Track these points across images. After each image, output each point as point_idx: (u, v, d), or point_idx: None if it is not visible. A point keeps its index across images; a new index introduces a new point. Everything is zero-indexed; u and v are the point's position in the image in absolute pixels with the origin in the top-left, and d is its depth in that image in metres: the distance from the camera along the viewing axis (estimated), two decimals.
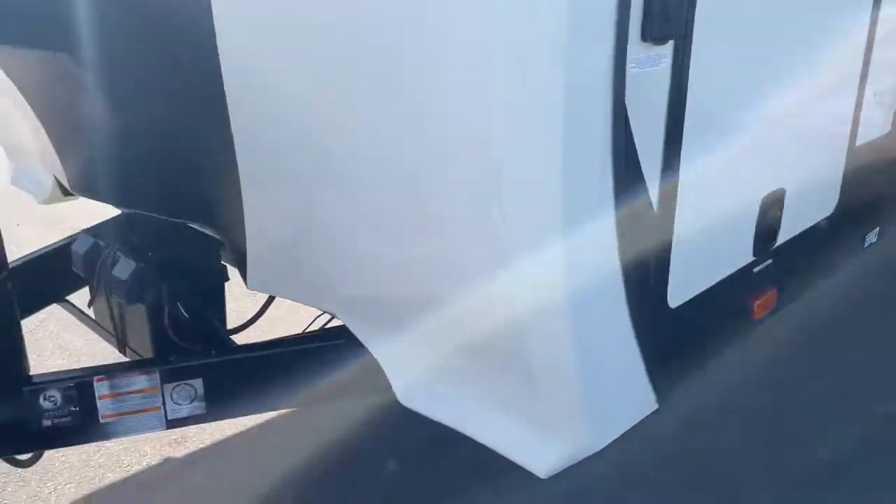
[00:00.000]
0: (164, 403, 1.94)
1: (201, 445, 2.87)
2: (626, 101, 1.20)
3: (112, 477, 2.70)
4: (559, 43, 1.10)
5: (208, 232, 2.02)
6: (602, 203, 1.23)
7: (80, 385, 1.84)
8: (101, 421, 1.89)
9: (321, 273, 1.73)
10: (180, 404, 1.96)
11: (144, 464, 2.76)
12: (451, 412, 1.61)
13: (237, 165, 1.67)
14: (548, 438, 1.41)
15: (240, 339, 2.32)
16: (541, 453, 1.43)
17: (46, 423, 1.84)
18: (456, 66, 1.22)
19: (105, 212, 2.34)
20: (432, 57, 1.21)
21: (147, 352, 2.29)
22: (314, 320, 2.26)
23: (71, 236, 2.58)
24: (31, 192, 2.92)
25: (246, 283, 1.91)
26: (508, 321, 1.32)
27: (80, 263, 2.29)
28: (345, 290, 1.71)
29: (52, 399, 1.84)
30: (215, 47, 1.48)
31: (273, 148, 1.57)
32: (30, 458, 2.06)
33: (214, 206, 1.85)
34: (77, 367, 2.01)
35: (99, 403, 1.88)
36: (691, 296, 1.52)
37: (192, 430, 2.81)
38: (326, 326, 2.25)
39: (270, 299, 2.31)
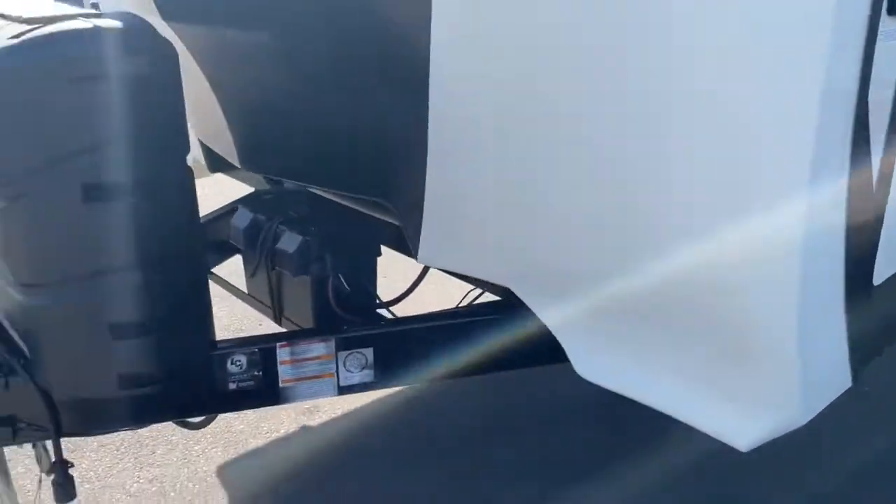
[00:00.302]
0: (337, 371, 2.02)
1: (333, 415, 2.98)
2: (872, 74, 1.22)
3: (254, 442, 2.81)
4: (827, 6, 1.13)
5: (377, 207, 2.09)
6: (840, 173, 1.24)
7: (264, 351, 1.93)
8: (281, 385, 1.99)
9: (502, 248, 1.78)
10: (352, 372, 2.04)
11: (282, 431, 2.88)
12: (636, 385, 1.64)
13: (426, 143, 1.72)
14: (752, 411, 1.43)
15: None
16: (742, 426, 1.46)
17: (232, 386, 1.94)
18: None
19: None
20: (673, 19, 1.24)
21: (305, 322, 2.38)
22: (465, 296, 2.32)
23: (213, 212, 2.69)
24: None
25: (415, 257, 1.97)
26: (724, 295, 1.35)
27: (240, 237, 2.38)
28: (526, 264, 1.76)
29: (238, 363, 1.93)
30: (425, 20, 1.52)
31: (472, 127, 1.62)
32: (202, 421, 2.16)
33: (391, 181, 1.91)
34: (257, 335, 2.10)
35: (279, 369, 1.97)
36: (891, 274, 1.53)
37: (323, 400, 2.91)
38: (476, 302, 2.32)
39: (422, 274, 2.38)
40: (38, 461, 1.99)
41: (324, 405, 2.98)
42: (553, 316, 1.78)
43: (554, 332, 1.79)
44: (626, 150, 1.43)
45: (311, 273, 2.21)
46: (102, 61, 1.47)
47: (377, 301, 2.34)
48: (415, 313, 2.24)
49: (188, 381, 1.84)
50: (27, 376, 1.76)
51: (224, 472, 2.66)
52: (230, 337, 2.05)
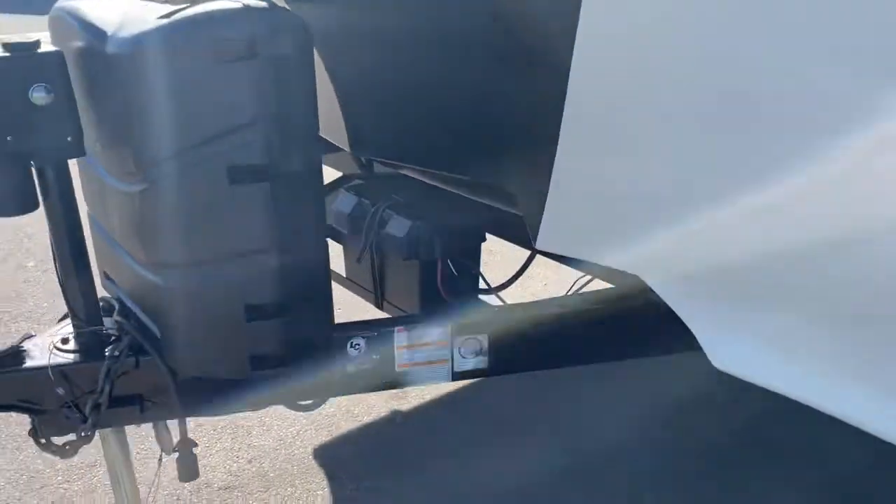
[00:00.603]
0: (452, 356, 2.01)
1: (422, 399, 2.98)
2: None
3: (346, 426, 2.83)
4: None
5: (488, 191, 2.07)
6: None
7: (382, 334, 1.93)
8: (396, 370, 1.98)
9: (633, 236, 1.74)
10: (466, 358, 2.03)
11: (374, 415, 2.89)
12: (786, 378, 1.60)
13: (559, 127, 1.69)
14: None
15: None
16: None
17: (350, 369, 1.94)
18: None
19: None
20: None
21: (408, 307, 2.38)
22: (574, 284, 2.29)
23: None
24: None
25: (533, 242, 1.94)
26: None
27: (344, 221, 2.38)
28: (660, 252, 1.72)
29: (357, 346, 1.93)
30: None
31: (612, 111, 1.58)
32: (312, 403, 2.18)
33: (513, 166, 1.88)
34: (374, 319, 2.10)
35: (396, 353, 1.97)
36: None
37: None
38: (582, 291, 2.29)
39: (529, 260, 2.36)
40: (159, 440, 2.02)
41: (412, 389, 2.98)
42: (686, 306, 1.74)
43: (687, 322, 1.76)
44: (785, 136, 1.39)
45: (420, 257, 2.20)
46: (252, 41, 1.47)
47: (487, 286, 2.32)
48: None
49: (312, 363, 1.85)
50: (157, 356, 1.79)
51: (321, 454, 2.68)
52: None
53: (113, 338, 1.84)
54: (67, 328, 1.90)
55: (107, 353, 1.78)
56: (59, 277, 1.81)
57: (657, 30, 1.49)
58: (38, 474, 2.58)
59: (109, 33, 1.54)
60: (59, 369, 1.75)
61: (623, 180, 1.70)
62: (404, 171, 2.37)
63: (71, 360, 1.77)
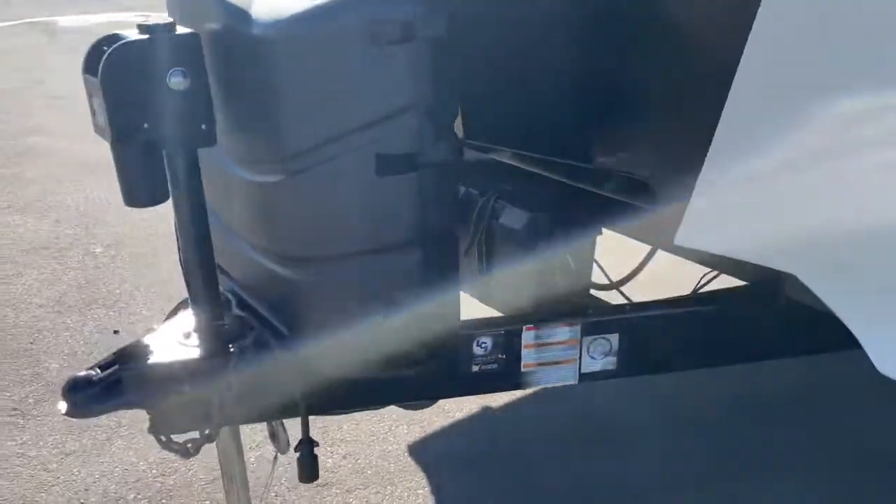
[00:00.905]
0: (580, 357, 1.93)
1: (513, 396, 2.90)
2: None
3: (438, 422, 2.75)
4: None
5: (614, 183, 1.97)
6: None
7: (509, 333, 1.85)
8: (522, 370, 1.90)
9: (791, 232, 1.64)
10: (595, 358, 1.94)
11: (465, 411, 2.81)
12: None
13: (717, 124, 1.59)
14: None
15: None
16: None
17: (475, 368, 1.86)
18: None
19: None
20: None
21: (518, 303, 2.29)
22: (700, 280, 2.18)
23: None
24: None
25: (671, 237, 1.84)
26: None
27: None
28: (823, 250, 1.62)
29: (483, 345, 1.85)
30: None
31: (776, 109, 1.48)
32: (423, 403, 2.10)
33: (653, 158, 1.78)
34: (499, 317, 2.01)
35: (523, 352, 1.88)
36: None
37: None
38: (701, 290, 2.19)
39: (648, 257, 2.26)
40: (273, 439, 1.96)
41: None
42: (846, 305, 1.64)
43: (846, 323, 1.65)
44: None
45: (538, 249, 2.11)
46: (410, 23, 1.38)
47: (609, 282, 2.22)
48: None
49: (440, 363, 1.77)
50: (284, 353, 1.72)
51: (415, 452, 2.61)
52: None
53: (238, 333, 1.78)
54: (187, 322, 1.84)
55: (233, 349, 1.72)
56: (183, 270, 1.75)
57: (833, 24, 1.39)
58: (131, 467, 2.54)
59: (254, 15, 1.46)
60: (185, 365, 1.70)
61: (781, 176, 1.61)
62: (496, 158, 2.28)
63: (197, 356, 1.72)
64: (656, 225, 2.16)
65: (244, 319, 1.81)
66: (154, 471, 2.52)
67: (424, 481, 2.47)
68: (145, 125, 1.50)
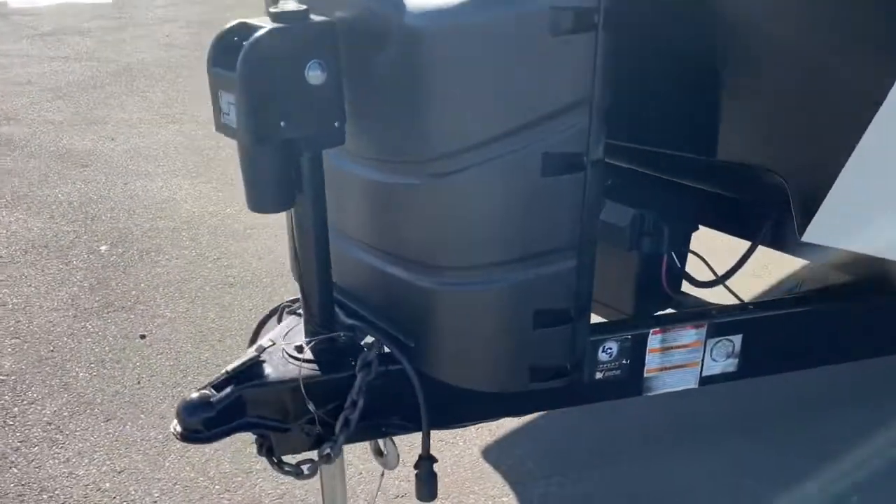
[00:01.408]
0: (702, 359, 1.85)
1: None
2: None
3: (509, 424, 2.65)
4: None
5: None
6: None
7: (635, 338, 1.76)
8: (645, 375, 1.82)
9: None
10: (716, 361, 1.86)
11: (535, 413, 2.72)
12: None
13: (870, 121, 1.52)
14: None
15: None
16: None
17: (598, 375, 1.77)
18: None
19: None
20: None
21: (616, 302, 2.20)
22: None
23: None
24: None
25: (798, 233, 1.77)
26: None
27: None
28: None
29: (609, 351, 1.75)
30: None
31: None
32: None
33: (791, 153, 1.71)
34: (621, 321, 1.92)
35: (647, 357, 1.80)
36: None
37: None
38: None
39: (748, 254, 2.18)
40: (377, 455, 1.84)
41: None
42: None
43: None
44: None
45: (643, 249, 2.02)
46: (590, 11, 1.26)
47: (715, 276, 2.14)
48: None
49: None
50: (411, 367, 1.60)
51: (491, 458, 2.52)
52: None
53: (354, 345, 1.65)
54: (295, 334, 1.71)
55: (356, 364, 1.60)
56: (299, 278, 1.61)
57: None
58: (191, 483, 2.38)
59: (407, 4, 1.33)
60: (308, 383, 1.57)
61: None
62: None
63: (318, 372, 1.59)
64: (757, 221, 2.11)
65: (357, 330, 1.69)
66: (217, 486, 2.37)
67: (505, 488, 2.38)
68: (282, 124, 1.36)
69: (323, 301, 1.62)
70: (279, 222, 4.01)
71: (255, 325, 1.93)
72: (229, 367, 1.57)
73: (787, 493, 2.39)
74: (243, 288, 3.52)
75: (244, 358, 1.59)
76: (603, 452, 2.56)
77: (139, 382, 2.87)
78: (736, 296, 2.08)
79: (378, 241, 1.57)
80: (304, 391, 1.55)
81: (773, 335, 1.85)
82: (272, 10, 1.37)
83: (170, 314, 3.32)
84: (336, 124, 1.44)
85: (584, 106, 1.32)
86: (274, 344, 1.64)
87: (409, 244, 1.51)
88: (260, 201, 1.44)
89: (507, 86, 1.29)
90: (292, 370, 1.60)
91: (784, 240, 2.03)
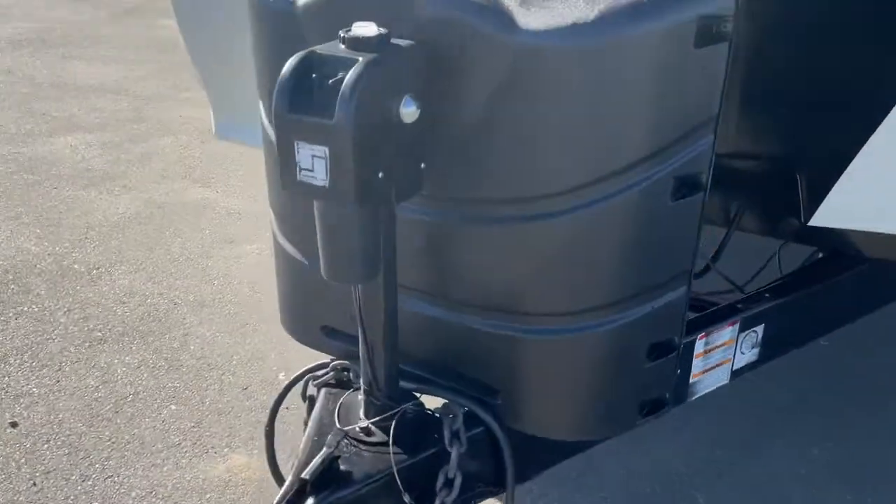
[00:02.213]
0: (734, 355, 1.83)
1: None
2: None
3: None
4: None
5: None
6: None
7: (686, 346, 1.69)
8: (690, 381, 1.76)
9: None
10: (744, 353, 1.85)
11: None
12: None
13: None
14: None
15: None
16: None
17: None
18: None
19: None
20: None
21: None
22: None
23: None
24: None
25: (805, 217, 1.80)
26: None
27: None
28: None
29: None
30: None
31: None
32: None
33: (804, 141, 1.72)
34: None
35: (693, 363, 1.74)
36: None
37: None
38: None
39: (725, 240, 2.19)
40: None
41: None
42: None
43: None
44: None
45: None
46: (727, 17, 1.13)
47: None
48: None
49: None
50: (498, 425, 1.41)
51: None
52: None
53: (429, 414, 1.42)
54: (348, 412, 1.43)
55: (443, 437, 1.37)
56: (364, 348, 1.34)
57: None
58: None
59: (519, 22, 1.11)
60: (403, 474, 1.32)
61: None
62: None
63: (405, 456, 1.34)
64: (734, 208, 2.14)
65: (412, 396, 1.46)
66: None
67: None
68: (380, 175, 1.10)
69: (390, 372, 1.37)
70: (133, 256, 3.59)
71: (271, 405, 1.64)
72: (305, 473, 1.28)
73: None
74: (117, 342, 3.01)
75: (317, 458, 1.31)
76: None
77: (35, 484, 2.35)
78: (732, 283, 2.11)
79: (456, 292, 1.35)
80: (399, 483, 1.31)
81: (789, 319, 1.90)
82: (347, 34, 1.10)
83: (37, 390, 2.75)
84: (422, 166, 1.21)
85: (712, 122, 1.21)
86: (339, 432, 1.37)
87: (502, 291, 1.31)
88: (348, 271, 1.17)
89: (645, 107, 1.14)
90: (376, 461, 1.34)
91: (763, 225, 2.08)
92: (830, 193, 1.79)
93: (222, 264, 3.58)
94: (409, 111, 1.12)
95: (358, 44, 1.09)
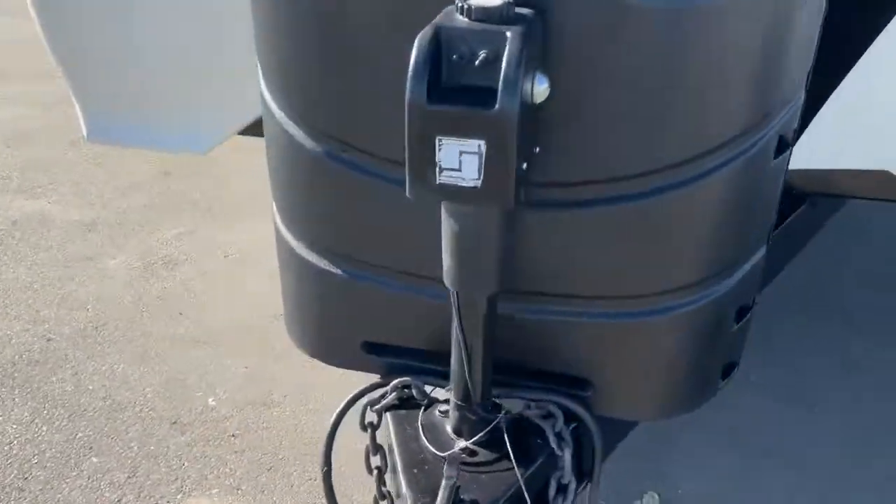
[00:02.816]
0: None
1: None
2: None
3: None
4: None
5: None
6: None
7: None
8: None
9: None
10: None
11: None
12: None
13: None
14: None
15: None
16: None
17: None
18: None
19: None
20: None
21: None
22: None
23: None
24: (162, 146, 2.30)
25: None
26: None
27: None
28: None
29: None
30: None
31: None
32: None
33: None
34: None
35: None
36: None
37: None
38: None
39: None
40: None
41: None
42: None
43: None
44: None
45: None
46: None
47: None
48: None
49: None
50: (592, 418, 1.31)
51: None
52: None
53: (525, 419, 1.29)
54: (440, 437, 1.26)
55: (549, 442, 1.25)
56: (463, 360, 1.18)
57: None
58: None
59: None
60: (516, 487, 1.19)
61: None
62: None
63: (523, 469, 1.21)
64: None
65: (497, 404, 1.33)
66: None
67: None
68: (524, 166, 0.95)
69: (488, 382, 1.23)
70: None
71: (324, 442, 1.41)
72: None
73: None
74: None
75: (442, 492, 1.14)
76: None
77: None
78: None
79: (550, 286, 1.22)
80: (528, 499, 1.18)
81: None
82: (470, 4, 0.92)
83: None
84: (536, 150, 1.06)
85: (809, 74, 1.17)
86: (454, 457, 1.20)
87: (606, 277, 1.21)
88: (485, 278, 1.01)
89: (770, 63, 1.08)
90: (494, 481, 1.20)
91: None
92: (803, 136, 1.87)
93: (89, 285, 3.13)
94: (541, 89, 0.97)
95: (488, 14, 0.93)
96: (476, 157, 0.91)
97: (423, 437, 1.28)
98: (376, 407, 1.35)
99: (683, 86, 1.06)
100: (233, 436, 2.34)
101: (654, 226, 1.17)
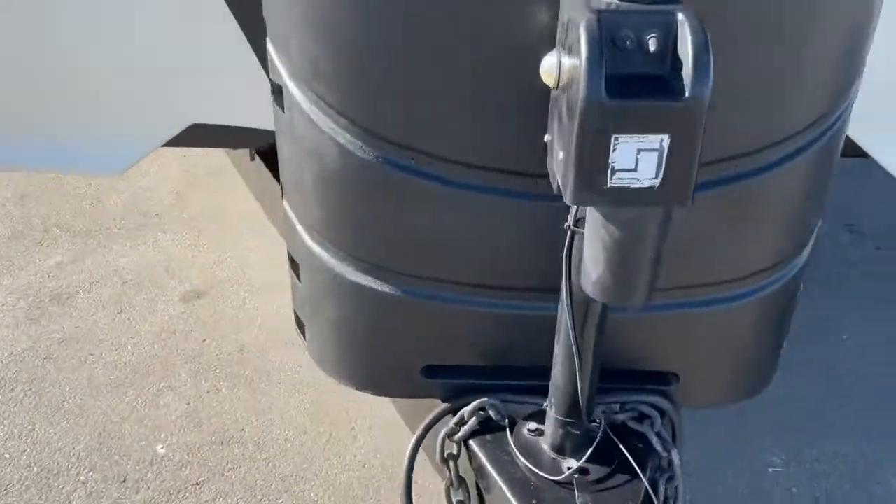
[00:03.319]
0: None
1: None
2: None
3: None
4: None
5: None
6: None
7: None
8: None
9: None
10: None
11: None
12: None
13: None
14: None
15: None
16: None
17: None
18: None
19: None
20: None
21: None
22: None
23: None
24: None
25: None
26: None
27: None
28: None
29: None
30: None
31: None
32: None
33: None
34: None
35: None
36: None
37: None
38: None
39: None
40: None
41: None
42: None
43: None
44: None
45: None
46: None
47: None
48: None
49: None
50: (676, 409, 1.26)
51: None
52: None
53: (623, 425, 1.20)
54: (552, 461, 1.15)
55: (656, 446, 1.18)
56: (568, 373, 1.07)
57: None
58: None
59: None
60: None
61: None
62: None
63: (642, 479, 1.12)
64: None
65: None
66: None
67: None
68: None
69: (593, 398, 1.13)
70: None
71: (402, 490, 1.24)
72: None
73: None
74: None
75: None
76: None
77: None
78: None
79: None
80: None
81: None
82: None
83: None
84: None
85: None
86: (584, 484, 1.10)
87: (698, 265, 1.14)
88: (644, 287, 0.91)
89: (861, 39, 1.05)
90: (615, 497, 1.12)
91: None
92: None
93: None
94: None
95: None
96: (655, 154, 0.81)
97: (523, 461, 1.17)
98: (457, 436, 1.23)
99: (808, 60, 1.02)
100: (196, 484, 2.09)
101: (761, 203, 1.13)
